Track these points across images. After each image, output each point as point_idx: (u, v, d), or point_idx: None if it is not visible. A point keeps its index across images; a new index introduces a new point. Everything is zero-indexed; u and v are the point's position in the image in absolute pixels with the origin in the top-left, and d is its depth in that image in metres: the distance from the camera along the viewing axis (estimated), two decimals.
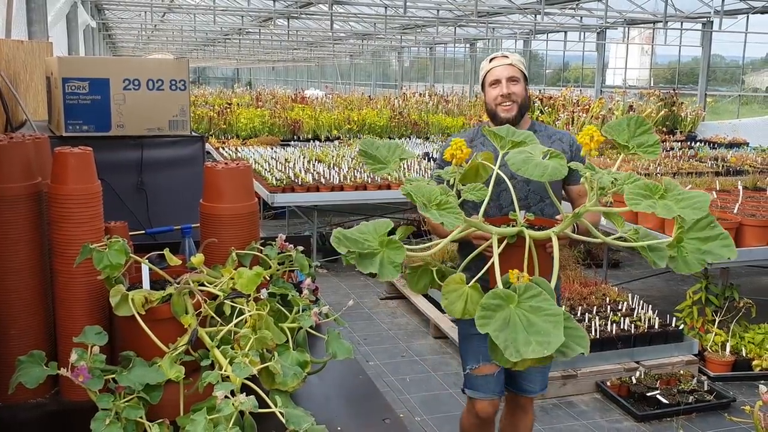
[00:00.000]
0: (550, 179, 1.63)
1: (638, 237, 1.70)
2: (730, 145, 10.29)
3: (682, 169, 7.62)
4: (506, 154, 2.09)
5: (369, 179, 6.94)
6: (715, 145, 10.23)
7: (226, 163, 1.86)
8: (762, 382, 3.45)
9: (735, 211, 4.76)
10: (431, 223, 2.61)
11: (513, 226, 1.87)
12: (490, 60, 2.88)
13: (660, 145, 1.72)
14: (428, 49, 25.65)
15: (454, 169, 1.86)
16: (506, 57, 2.84)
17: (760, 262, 5.22)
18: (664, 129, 11.51)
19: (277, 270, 1.82)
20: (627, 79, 19.07)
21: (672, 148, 9.57)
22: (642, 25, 17.67)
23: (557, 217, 2.27)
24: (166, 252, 1.68)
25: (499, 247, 1.75)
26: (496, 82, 2.79)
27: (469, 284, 1.64)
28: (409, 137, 11.48)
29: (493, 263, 1.70)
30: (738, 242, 4.58)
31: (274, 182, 6.70)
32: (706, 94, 14.64)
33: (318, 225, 7.26)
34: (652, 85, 17.50)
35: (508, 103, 2.77)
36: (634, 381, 4.33)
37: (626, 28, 17.53)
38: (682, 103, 12.34)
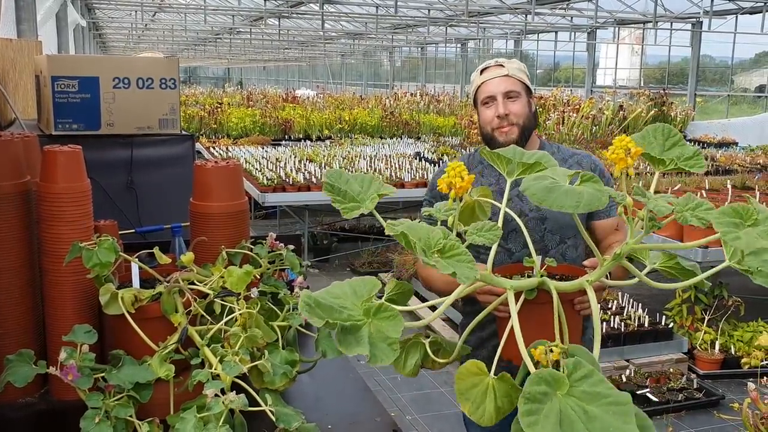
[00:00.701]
0: (587, 210, 1.21)
1: (680, 266, 1.41)
2: (720, 145, 10.36)
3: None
4: (517, 182, 1.72)
5: None
6: (705, 145, 10.30)
7: (216, 162, 1.86)
8: (751, 379, 3.48)
9: None
10: (423, 272, 2.28)
11: (530, 276, 1.51)
12: (482, 71, 2.28)
13: (702, 156, 1.39)
14: (419, 48, 25.67)
15: (451, 204, 1.43)
16: (501, 66, 2.24)
17: None
18: None
19: (268, 269, 1.82)
20: (617, 79, 19.14)
21: None
22: (632, 25, 17.75)
23: (585, 263, 1.83)
24: (156, 250, 1.68)
25: (525, 303, 1.39)
26: (490, 99, 2.22)
27: (492, 371, 1.22)
28: (401, 137, 11.49)
29: (507, 328, 1.32)
30: None
31: (265, 182, 6.69)
32: (695, 94, 14.72)
33: (309, 224, 7.26)
34: (642, 85, 17.58)
35: (506, 126, 2.20)
36: (624, 379, 4.35)
37: (616, 28, 17.60)
38: (672, 103, 12.41)
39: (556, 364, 1.12)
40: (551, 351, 1.14)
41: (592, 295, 1.31)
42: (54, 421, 1.63)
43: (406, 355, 1.46)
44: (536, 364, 1.14)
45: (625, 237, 1.68)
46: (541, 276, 1.41)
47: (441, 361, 1.44)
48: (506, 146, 1.97)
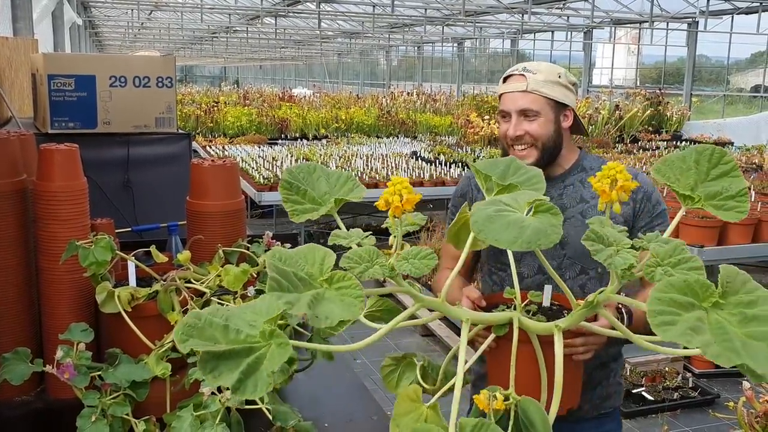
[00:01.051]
0: (527, 248, 1.01)
1: None
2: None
3: None
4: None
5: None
6: None
7: (212, 161, 1.86)
8: (746, 379, 3.49)
9: None
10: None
11: (510, 308, 1.38)
12: (505, 79, 2.01)
13: (747, 198, 1.16)
14: (416, 48, 25.67)
15: (392, 223, 1.19)
16: (523, 77, 1.93)
17: (744, 260, 5.26)
18: (650, 128, 11.60)
19: (264, 267, 1.82)
20: (614, 78, 19.17)
21: (658, 147, 9.65)
22: (628, 25, 17.78)
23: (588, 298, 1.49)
24: (153, 249, 1.68)
25: (501, 340, 1.27)
26: (505, 114, 1.98)
27: (429, 403, 1.14)
28: (397, 136, 11.50)
29: (489, 361, 1.31)
30: (722, 240, 4.63)
31: (262, 181, 6.69)
32: (691, 93, 14.75)
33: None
34: (638, 84, 17.61)
35: (520, 147, 1.95)
36: None
37: (613, 28, 17.62)
38: (668, 102, 12.44)
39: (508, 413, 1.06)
40: (495, 398, 1.07)
41: (558, 342, 1.14)
42: (50, 419, 1.63)
43: (399, 376, 1.37)
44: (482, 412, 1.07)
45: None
46: (523, 311, 1.29)
47: (430, 387, 1.34)
48: None
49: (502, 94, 1.99)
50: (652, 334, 0.90)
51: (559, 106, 1.94)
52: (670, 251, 1.06)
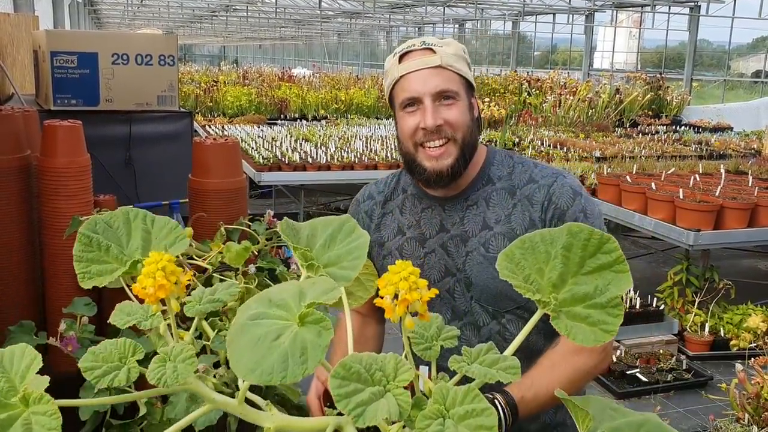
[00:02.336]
0: (266, 382, 0.76)
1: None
2: (715, 130, 10.39)
3: (666, 152, 7.70)
4: (445, 227, 1.54)
5: (356, 159, 6.95)
6: (700, 129, 10.32)
7: (214, 139, 1.88)
8: (739, 361, 3.53)
9: (717, 194, 4.83)
10: None
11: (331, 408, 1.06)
12: (401, 57, 1.52)
13: (621, 311, 0.89)
14: (417, 29, 25.53)
15: (156, 310, 0.99)
16: (431, 51, 1.49)
17: (740, 245, 5.30)
18: (650, 113, 11.59)
19: (266, 245, 1.84)
20: (614, 62, 19.12)
21: (657, 132, 9.65)
22: (630, 9, 17.69)
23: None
24: None
25: None
26: (413, 102, 1.50)
27: None
28: None
29: None
30: (719, 225, 4.66)
31: (261, 161, 6.70)
32: (692, 78, 14.71)
33: (305, 204, 7.27)
34: (639, 69, 17.56)
35: (437, 143, 1.49)
36: (615, 359, 4.41)
37: (614, 12, 17.54)
38: (668, 87, 12.41)
39: None
40: None
41: None
42: (53, 392, 1.66)
43: None
44: None
45: (566, 344, 1.32)
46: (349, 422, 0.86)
47: None
48: (437, 176, 1.49)
49: (401, 77, 1.50)
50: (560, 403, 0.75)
51: (470, 90, 1.55)
52: (460, 396, 0.79)
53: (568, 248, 0.90)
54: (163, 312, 1.01)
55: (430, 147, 1.50)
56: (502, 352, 0.92)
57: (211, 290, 1.07)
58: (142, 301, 0.99)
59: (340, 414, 0.98)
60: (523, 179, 1.57)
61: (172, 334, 1.00)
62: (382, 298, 0.86)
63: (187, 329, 1.09)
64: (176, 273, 0.93)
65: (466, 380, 0.87)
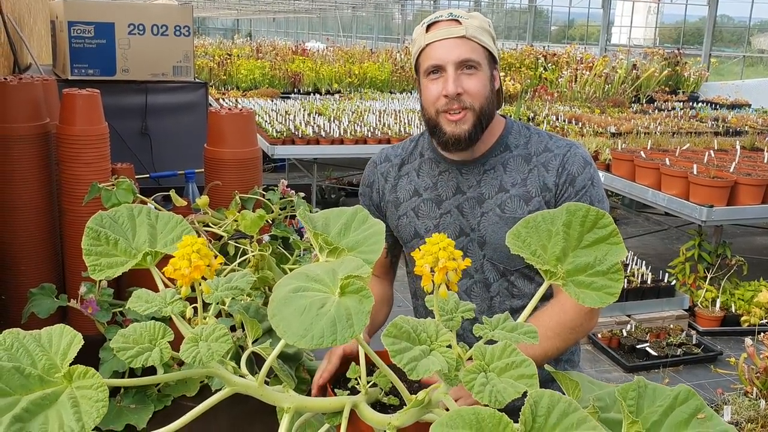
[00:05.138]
0: (317, 346, 0.80)
1: None
2: (732, 107, 10.27)
3: (682, 128, 7.64)
4: (461, 189, 1.61)
5: (369, 133, 6.95)
6: (717, 106, 10.21)
7: (230, 109, 1.90)
8: (749, 336, 3.55)
9: (731, 170, 4.81)
10: None
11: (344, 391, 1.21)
12: (428, 27, 1.62)
13: (622, 275, 0.96)
14: (432, 2, 25.30)
15: (186, 292, 0.99)
16: (457, 22, 1.58)
17: (754, 222, 5.28)
18: (667, 89, 11.47)
19: (279, 214, 1.87)
20: (632, 38, 18.87)
21: (673, 108, 9.57)
22: None
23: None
24: (172, 193, 1.73)
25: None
26: (437, 69, 1.59)
27: None
28: (411, 92, 11.44)
29: None
30: (732, 201, 4.64)
31: (275, 134, 6.72)
32: (710, 54, 14.51)
33: (317, 179, 7.30)
34: (657, 45, 17.34)
35: (457, 111, 1.58)
36: (625, 334, 4.44)
37: None
38: (686, 63, 12.26)
39: None
40: None
41: None
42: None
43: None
44: None
45: (563, 302, 1.48)
46: (362, 400, 1.01)
47: None
48: (455, 140, 1.59)
49: (427, 45, 1.60)
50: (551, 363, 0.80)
51: (492, 61, 1.63)
52: (498, 352, 0.86)
53: (568, 225, 0.99)
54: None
55: (448, 115, 1.60)
56: (509, 306, 0.99)
57: (227, 278, 1.10)
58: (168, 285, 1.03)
59: (351, 394, 1.09)
60: (539, 148, 1.67)
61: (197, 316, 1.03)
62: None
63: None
64: (209, 256, 0.96)
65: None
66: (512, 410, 0.76)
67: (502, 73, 10.89)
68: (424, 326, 0.90)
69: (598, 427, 0.75)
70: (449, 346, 0.89)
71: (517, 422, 0.75)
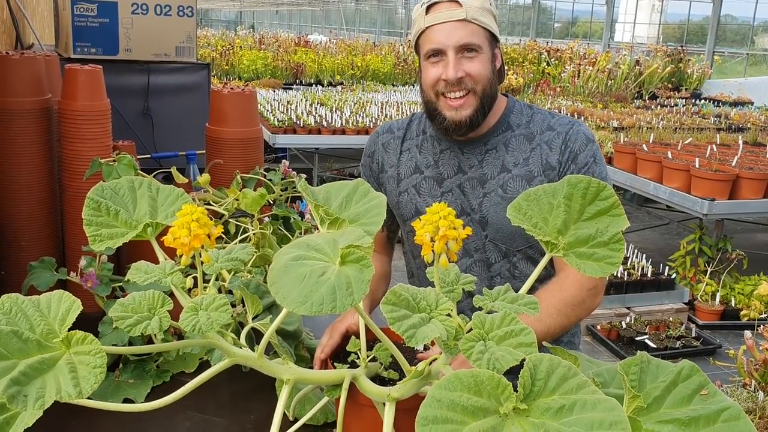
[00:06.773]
0: (317, 312, 0.79)
1: None
2: (735, 104, 10.25)
3: (684, 124, 7.62)
4: (462, 168, 1.60)
5: (371, 124, 6.94)
6: (720, 103, 10.19)
7: (231, 88, 1.89)
8: (748, 329, 3.55)
9: (733, 164, 4.80)
10: None
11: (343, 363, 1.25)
12: (428, 7, 1.58)
13: (623, 245, 0.95)
14: None
15: (186, 261, 0.99)
16: (457, 3, 1.54)
17: (756, 216, 5.27)
18: (670, 86, 11.45)
19: (281, 195, 1.87)
20: (636, 35, 18.82)
21: (676, 105, 9.55)
22: None
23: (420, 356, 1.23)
24: (174, 170, 1.73)
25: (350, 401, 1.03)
26: (437, 53, 1.56)
27: None
28: (413, 85, 11.41)
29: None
30: (734, 195, 4.63)
31: (276, 123, 6.71)
32: (713, 51, 14.48)
33: (318, 169, 7.29)
34: (660, 42, 17.30)
35: (458, 94, 1.56)
36: (624, 326, 4.44)
37: None
38: (689, 60, 12.23)
39: None
40: None
41: (389, 416, 0.91)
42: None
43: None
44: None
45: (562, 280, 1.49)
46: (364, 370, 1.05)
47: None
48: (456, 126, 1.56)
49: (427, 28, 1.56)
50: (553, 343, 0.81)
51: (494, 41, 1.61)
52: (497, 321, 0.85)
53: (569, 197, 0.97)
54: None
55: (450, 97, 1.57)
56: (513, 287, 0.99)
57: (227, 250, 1.10)
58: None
59: (351, 368, 1.11)
60: (542, 127, 1.66)
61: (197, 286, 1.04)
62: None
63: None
64: (209, 225, 0.96)
65: None
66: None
67: (505, 68, 10.94)
68: (423, 295, 0.90)
69: (597, 392, 0.74)
70: (449, 315, 0.89)
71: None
